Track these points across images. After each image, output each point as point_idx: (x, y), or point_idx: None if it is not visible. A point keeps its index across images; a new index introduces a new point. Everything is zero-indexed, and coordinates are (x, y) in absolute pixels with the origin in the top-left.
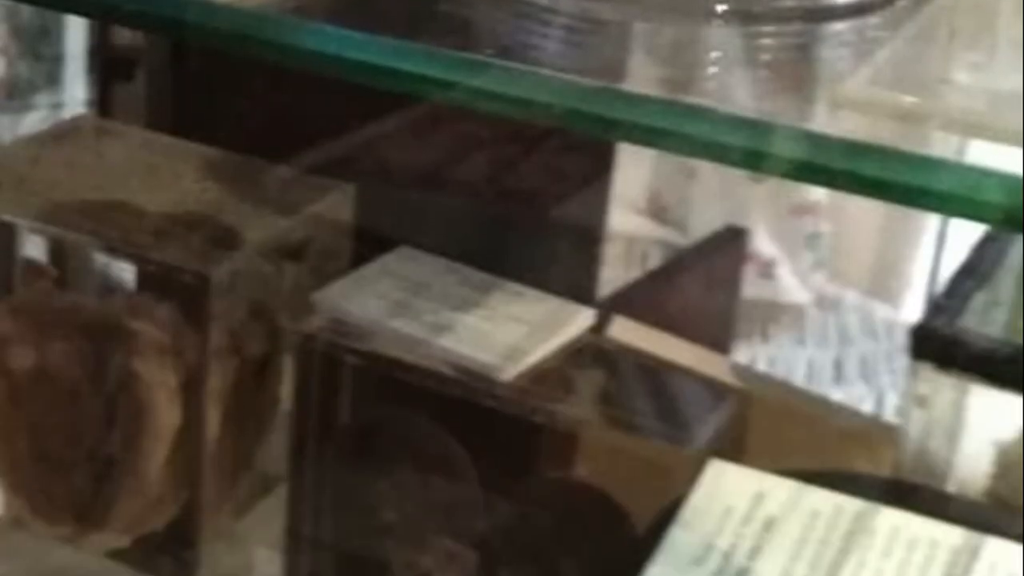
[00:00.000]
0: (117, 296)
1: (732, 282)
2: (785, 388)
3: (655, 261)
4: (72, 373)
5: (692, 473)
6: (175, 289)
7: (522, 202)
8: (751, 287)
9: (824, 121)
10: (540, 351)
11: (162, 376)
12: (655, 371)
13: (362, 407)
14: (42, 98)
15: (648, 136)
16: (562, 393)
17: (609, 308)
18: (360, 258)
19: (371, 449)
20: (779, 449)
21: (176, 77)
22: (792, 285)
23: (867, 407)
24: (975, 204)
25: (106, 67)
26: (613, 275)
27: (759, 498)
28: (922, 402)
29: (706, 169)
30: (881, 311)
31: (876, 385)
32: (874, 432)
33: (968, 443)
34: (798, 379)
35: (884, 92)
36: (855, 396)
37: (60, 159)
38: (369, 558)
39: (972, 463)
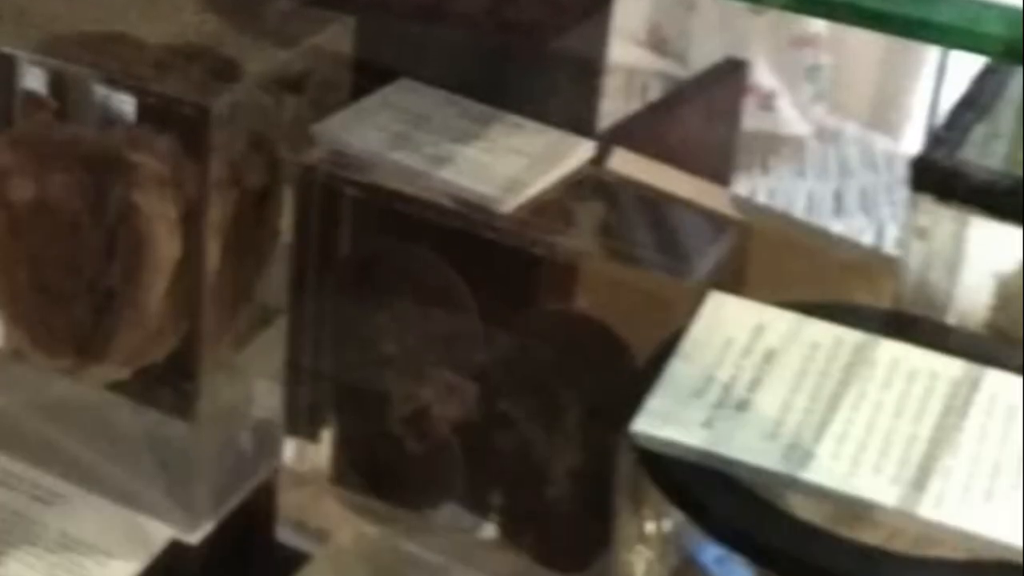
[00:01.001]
0: (117, 128)
1: (732, 114)
2: (785, 220)
3: (655, 93)
4: (72, 205)
5: (692, 305)
6: (175, 121)
7: (522, 34)
8: (751, 119)
9: None
10: (540, 183)
11: (162, 208)
12: (655, 203)
13: (362, 239)
14: None
15: None
16: (562, 225)
17: (609, 140)
18: (360, 90)
19: (371, 281)
20: (779, 281)
21: None
22: (792, 117)
23: (867, 239)
24: (975, 36)
25: None
26: (613, 107)
27: (759, 330)
28: (922, 234)
29: (706, 0)
30: (881, 143)
31: (876, 217)
32: (874, 264)
33: (968, 275)
34: (798, 211)
35: None
36: (855, 228)
37: None
38: (368, 390)
39: (972, 295)
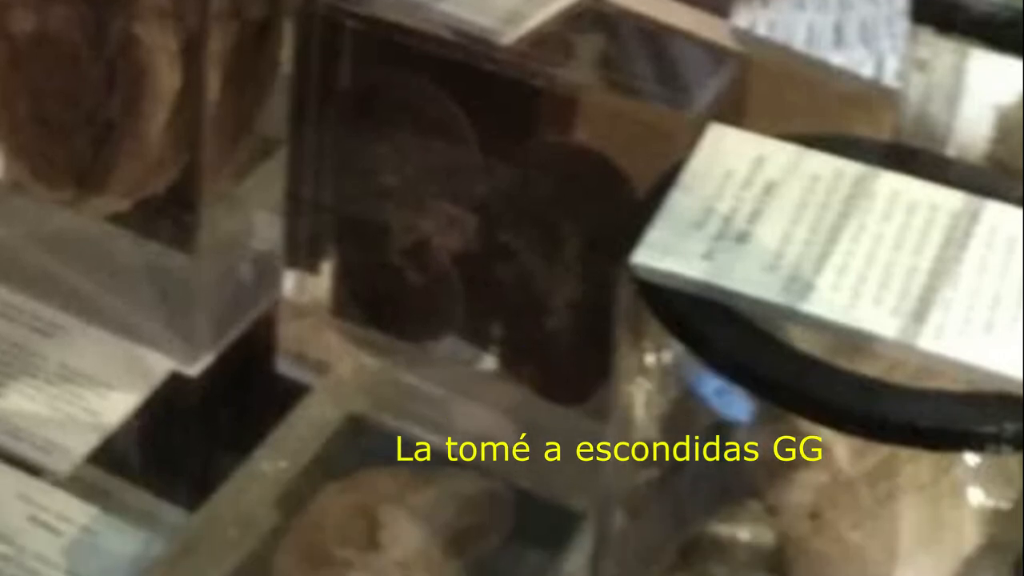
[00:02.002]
0: None
1: None
2: (785, 52)
3: None
4: (72, 37)
5: (692, 137)
6: None
7: None
8: None
9: None
10: (540, 15)
11: (162, 39)
12: (655, 35)
13: (362, 71)
14: None
15: None
16: (562, 57)
17: None
18: None
19: (371, 113)
20: (779, 113)
21: None
22: None
23: (867, 71)
24: None
25: None
26: None
27: (759, 162)
28: (922, 66)
29: None
30: None
31: (876, 49)
32: (874, 96)
33: (968, 107)
34: (798, 43)
35: None
36: (855, 60)
37: None
38: (368, 221)
39: (972, 127)
